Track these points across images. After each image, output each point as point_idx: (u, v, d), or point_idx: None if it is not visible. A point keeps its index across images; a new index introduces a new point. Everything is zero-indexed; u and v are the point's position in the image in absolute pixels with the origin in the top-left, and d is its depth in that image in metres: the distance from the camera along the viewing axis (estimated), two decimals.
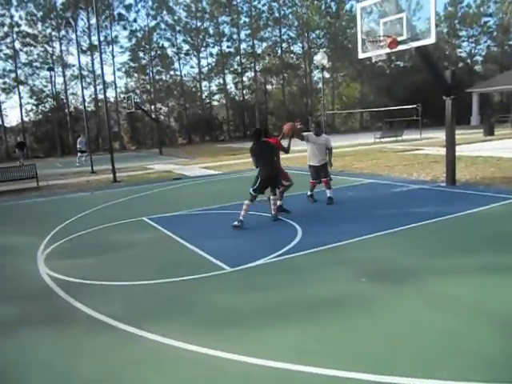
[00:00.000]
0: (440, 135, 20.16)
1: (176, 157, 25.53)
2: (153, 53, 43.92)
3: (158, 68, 44.82)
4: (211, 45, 45.82)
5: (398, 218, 7.24)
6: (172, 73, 45.66)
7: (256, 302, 4.47)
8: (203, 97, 47.05)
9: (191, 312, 4.32)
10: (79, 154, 25.11)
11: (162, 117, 45.53)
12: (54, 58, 40.63)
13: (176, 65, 45.40)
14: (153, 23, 43.45)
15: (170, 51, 44.85)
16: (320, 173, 9.06)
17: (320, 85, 23.58)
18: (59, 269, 5.78)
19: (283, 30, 46.36)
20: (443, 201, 8.64)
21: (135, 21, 43.13)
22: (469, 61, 52.14)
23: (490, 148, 17.61)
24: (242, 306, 4.37)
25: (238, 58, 46.52)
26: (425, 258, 5.39)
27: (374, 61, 9.89)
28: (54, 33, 40.21)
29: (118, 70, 43.38)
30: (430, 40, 8.46)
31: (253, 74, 47.10)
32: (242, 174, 15.01)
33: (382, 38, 9.24)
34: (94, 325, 4.14)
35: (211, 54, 46.23)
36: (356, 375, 3.05)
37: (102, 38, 40.76)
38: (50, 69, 37.96)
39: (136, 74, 44.72)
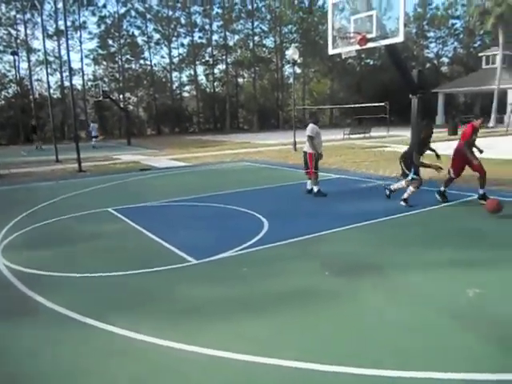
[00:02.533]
0: (406, 133, 20.59)
1: (144, 148, 25.15)
2: (122, 40, 42.98)
3: (128, 56, 43.92)
4: (183, 35, 45.27)
5: (362, 213, 7.37)
6: (142, 62, 44.89)
7: (220, 294, 4.47)
8: (173, 87, 46.46)
9: (155, 304, 4.28)
10: (94, 139, 27.61)
11: (130, 107, 44.74)
12: (19, 41, 39.17)
13: (146, 54, 44.66)
14: (123, 10, 42.55)
15: (140, 40, 44.07)
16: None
17: (291, 80, 23.63)
18: (18, 260, 5.60)
19: (256, 23, 46.23)
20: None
21: (104, 6, 41.97)
22: (436, 61, 53.45)
23: (453, 147, 18.08)
24: (206, 299, 4.35)
25: (210, 49, 46.11)
26: (387, 252, 5.51)
27: (343, 57, 9.99)
28: (18, 15, 38.76)
29: (86, 56, 42.32)
30: (399, 39, 8.60)
31: (224, 66, 46.82)
32: (211, 167, 14.95)
33: (352, 35, 9.33)
34: (54, 318, 4.03)
35: (182, 45, 45.71)
36: (319, 367, 3.10)
37: (69, 23, 39.58)
38: (14, 53, 36.53)
39: (104, 62, 43.69)
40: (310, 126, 9.10)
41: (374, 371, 3.01)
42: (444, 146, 19.06)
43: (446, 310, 3.88)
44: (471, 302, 4.03)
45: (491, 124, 34.92)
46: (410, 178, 7.99)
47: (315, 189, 8.99)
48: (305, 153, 9.22)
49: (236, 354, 3.28)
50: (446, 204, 7.97)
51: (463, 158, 8.12)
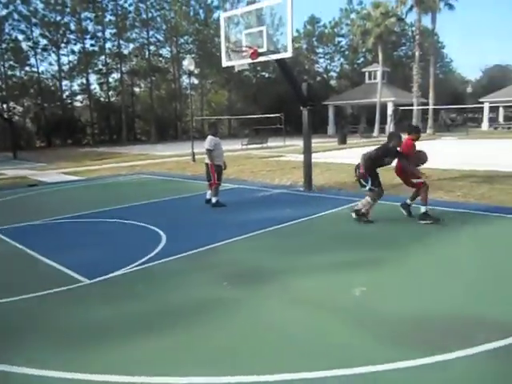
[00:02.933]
0: (301, 143, 21.61)
1: (33, 161, 23.33)
2: (4, 45, 39.62)
3: (11, 63, 40.55)
4: (73, 41, 42.91)
5: (259, 222, 7.57)
6: (27, 69, 41.70)
7: (115, 314, 4.28)
8: (64, 97, 43.82)
9: (42, 332, 3.97)
10: None
11: (16, 117, 41.26)
12: None
13: (32, 60, 41.60)
14: (4, 12, 39.22)
15: (24, 45, 40.90)
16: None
17: (189, 90, 23.60)
18: None
19: (151, 33, 45.47)
20: (300, 204, 9.28)
21: None
22: (325, 76, 57.04)
23: (342, 155, 19.43)
24: (99, 321, 4.14)
25: (103, 57, 44.34)
26: (283, 259, 5.72)
27: (236, 70, 10.24)
28: None
29: None
30: (287, 54, 9.06)
31: (119, 75, 45.30)
32: (106, 180, 14.34)
33: (244, 49, 9.63)
34: None
35: (73, 52, 43.29)
36: (218, 379, 3.11)
37: None
38: None
39: None
40: (209, 138, 9.12)
41: (269, 377, 3.10)
42: (334, 154, 20.40)
43: (336, 311, 4.13)
44: (358, 301, 4.34)
45: (375, 134, 38.03)
46: (367, 188, 7.30)
47: (214, 200, 9.04)
48: (206, 164, 9.23)
49: (132, 377, 3.17)
50: (331, 211, 8.41)
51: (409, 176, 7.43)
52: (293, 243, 6.48)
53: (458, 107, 48.25)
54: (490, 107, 46.09)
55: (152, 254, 5.94)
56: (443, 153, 20.36)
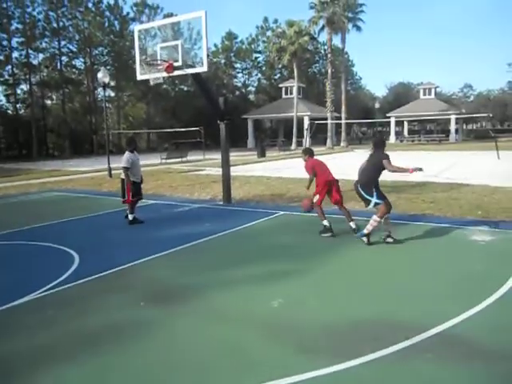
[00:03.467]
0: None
1: None
2: None
3: None
4: None
5: (178, 238, 7.46)
6: None
7: (22, 345, 3.94)
8: None
9: None
10: None
11: None
12: None
13: None
14: None
15: None
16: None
17: (104, 103, 22.80)
18: None
19: (63, 43, 43.43)
20: (219, 218, 9.28)
21: None
22: (244, 90, 58.04)
23: (261, 168, 19.80)
24: (7, 353, 3.81)
25: (10, 67, 41.51)
26: (201, 275, 5.67)
27: (152, 83, 10.10)
28: None
29: None
30: (203, 68, 9.11)
31: (28, 86, 42.65)
32: (12, 199, 13.35)
33: (159, 62, 9.53)
34: None
35: None
36: None
37: None
38: None
39: None
40: (126, 154, 8.78)
41: None
42: (253, 167, 20.73)
43: (254, 324, 4.16)
44: (275, 313, 4.41)
45: (293, 147, 39.25)
46: (372, 205, 6.74)
47: (130, 217, 8.76)
48: (122, 180, 8.89)
49: None
50: (249, 224, 8.48)
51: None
52: (212, 258, 6.45)
53: (368, 121, 51.50)
54: (396, 121, 49.68)
55: (63, 277, 5.60)
56: (356, 165, 21.52)
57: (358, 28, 41.17)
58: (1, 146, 41.95)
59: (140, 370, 3.46)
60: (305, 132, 37.41)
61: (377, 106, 53.72)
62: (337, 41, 43.76)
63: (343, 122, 40.69)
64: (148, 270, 5.97)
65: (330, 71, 40.71)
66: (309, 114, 41.81)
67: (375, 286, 5.09)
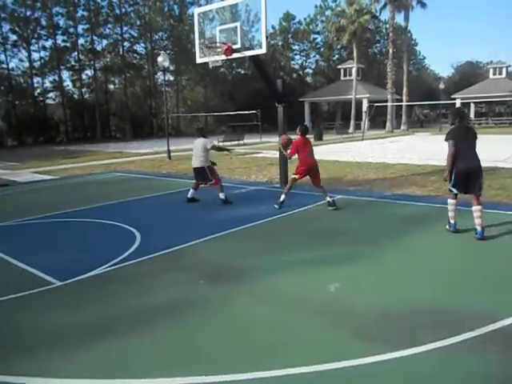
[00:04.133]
0: (277, 139, 21.65)
1: (4, 160, 22.72)
2: None
3: None
4: (44, 37, 41.89)
5: (235, 220, 7.55)
6: None
7: (87, 316, 4.18)
8: (36, 94, 42.78)
9: (8, 337, 3.86)
10: None
11: None
12: None
13: (2, 56, 40.44)
14: None
15: None
16: (197, 175, 9.09)
17: (164, 87, 23.36)
18: None
19: (125, 28, 44.75)
20: (276, 201, 9.25)
21: None
22: (301, 72, 57.22)
23: (318, 151, 19.48)
24: (70, 324, 4.04)
25: (76, 53, 43.43)
26: (258, 257, 5.71)
27: (210, 66, 10.16)
28: None
29: None
30: (262, 51, 9.03)
31: (92, 72, 44.49)
32: (80, 179, 14.08)
33: (218, 45, 9.56)
34: None
35: (44, 48, 42.26)
36: (191, 380, 3.08)
37: None
38: None
39: None
40: (203, 140, 8.99)
41: (235, 376, 3.09)
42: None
43: (311, 307, 4.15)
44: (332, 297, 4.37)
45: (350, 130, 38.38)
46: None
47: (222, 195, 9.00)
48: (202, 168, 8.99)
49: (104, 381, 3.12)
50: (306, 207, 8.45)
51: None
52: (268, 241, 6.47)
53: (431, 103, 49.24)
54: (462, 103, 47.13)
55: (126, 254, 5.85)
56: (417, 148, 20.71)
57: (423, 5, 39.22)
58: (67, 129, 44.20)
59: (196, 346, 3.55)
60: (363, 115, 36.44)
61: (441, 86, 51.12)
62: (399, 19, 42.19)
63: (404, 104, 39.20)
64: (206, 250, 6.09)
65: (391, 51, 39.17)
66: (368, 95, 40.59)
67: (438, 274, 4.90)
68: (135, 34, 45.93)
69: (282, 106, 10.47)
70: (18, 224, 8.04)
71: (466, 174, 5.95)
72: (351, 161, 15.62)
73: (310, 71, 58.50)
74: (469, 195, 6.09)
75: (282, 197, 8.34)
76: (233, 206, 8.95)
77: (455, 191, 6.16)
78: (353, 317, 3.93)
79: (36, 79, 42.55)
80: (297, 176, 8.37)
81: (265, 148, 22.64)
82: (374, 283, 4.71)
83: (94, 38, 43.50)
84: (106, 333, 3.84)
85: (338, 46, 50.99)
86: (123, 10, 44.13)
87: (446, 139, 6.13)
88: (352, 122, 39.65)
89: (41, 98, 43.50)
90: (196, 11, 10.29)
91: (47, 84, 43.61)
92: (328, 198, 8.22)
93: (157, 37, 46.94)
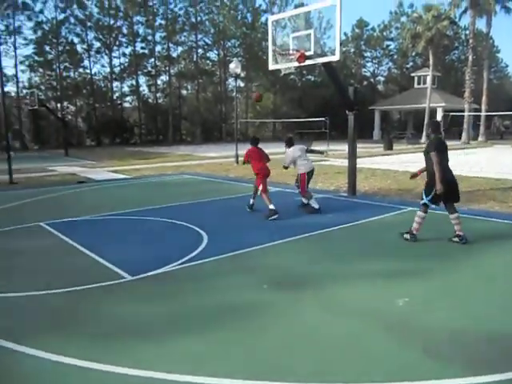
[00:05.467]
0: (345, 147, 21.30)
1: (83, 159, 24.25)
2: (60, 47, 41.45)
3: (66, 64, 42.39)
4: (124, 44, 44.35)
5: (301, 226, 7.49)
6: (81, 70, 43.44)
7: (155, 311, 4.34)
8: (114, 97, 45.32)
9: (84, 325, 4.08)
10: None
11: (68, 116, 43.10)
12: None
13: (86, 62, 43.30)
14: (61, 16, 41.07)
15: (79, 47, 42.63)
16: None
17: (234, 93, 23.86)
18: None
19: (199, 36, 46.28)
20: (343, 210, 9.09)
21: (42, 12, 40.31)
22: (372, 80, 56.01)
23: (388, 161, 18.98)
24: (140, 317, 4.21)
25: (153, 60, 45.55)
26: (324, 265, 5.62)
27: (282, 73, 10.20)
28: None
29: (21, 63, 40.32)
30: (335, 58, 8.93)
31: (167, 77, 46.39)
32: (151, 179, 14.67)
33: (291, 52, 9.58)
34: None
35: (124, 54, 44.74)
36: (254, 383, 3.08)
37: (2, 27, 37.79)
38: None
39: (41, 69, 41.87)
40: (300, 146, 9.16)
41: None
42: (379, 160, 19.96)
43: (379, 320, 4.00)
44: (401, 312, 4.19)
45: (422, 140, 36.92)
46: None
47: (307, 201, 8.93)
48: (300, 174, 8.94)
49: (170, 374, 3.19)
50: (374, 218, 8.20)
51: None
52: (334, 249, 6.36)
53: None
54: None
55: (193, 254, 5.99)
56: (496, 161, 19.49)
57: (508, 10, 36.90)
58: (141, 131, 46.35)
59: (260, 350, 3.55)
60: None
61: None
62: (481, 24, 39.85)
63: (483, 114, 37.05)
64: (272, 255, 6.10)
65: (470, 58, 37.20)
66: (443, 104, 38.84)
67: None
68: (209, 42, 47.34)
69: (352, 113, 10.28)
70: (93, 219, 8.51)
71: (448, 185, 6.21)
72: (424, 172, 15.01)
73: (382, 79, 57.12)
74: (445, 205, 6.48)
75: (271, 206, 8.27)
76: (299, 212, 8.89)
77: (433, 206, 6.51)
78: (424, 334, 3.74)
79: (115, 84, 45.14)
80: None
81: (332, 156, 22.34)
82: (446, 300, 4.46)
83: (170, 45, 45.36)
84: (174, 328, 3.96)
85: (413, 53, 49.28)
86: (199, 18, 45.67)
87: (431, 150, 6.27)
88: (424, 132, 38.09)
89: (119, 102, 46.03)
90: (270, 19, 10.38)
91: (125, 88, 46.12)
92: (251, 201, 8.90)
93: (229, 44, 48.05)
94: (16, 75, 39.56)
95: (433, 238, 6.83)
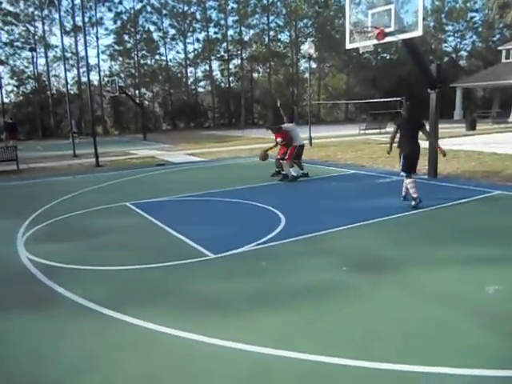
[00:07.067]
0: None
1: (160, 143, 25.31)
2: (138, 36, 43.19)
3: (144, 52, 44.16)
4: (198, 30, 45.31)
5: (379, 209, 7.33)
6: (157, 57, 45.07)
7: (237, 288, 4.50)
8: (188, 83, 46.58)
9: (172, 297, 4.32)
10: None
11: (146, 102, 45.02)
12: (37, 38, 39.69)
13: (161, 49, 44.81)
14: (139, 6, 42.74)
15: (155, 35, 44.23)
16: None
17: (306, 74, 23.56)
18: (39, 253, 5.71)
19: (271, 18, 46.03)
20: (424, 193, 8.69)
21: (121, 3, 42.20)
22: (454, 55, 52.59)
23: (471, 142, 17.87)
24: (223, 292, 4.38)
25: (225, 44, 46.08)
26: (405, 248, 5.48)
27: (361, 52, 9.89)
28: (36, 12, 39.25)
29: (103, 52, 42.67)
30: (417, 33, 8.48)
31: (239, 61, 46.76)
32: (227, 162, 14.99)
33: (369, 29, 9.24)
34: (75, 309, 4.11)
35: (198, 40, 45.79)
36: (336, 360, 3.11)
37: (86, 19, 39.85)
38: (32, 49, 37.11)
39: (121, 58, 44.00)
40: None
41: (380, 365, 3.03)
42: (461, 140, 18.85)
43: (467, 307, 3.84)
44: (491, 300, 3.99)
45: (510, 119, 34.30)
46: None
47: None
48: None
49: (252, 347, 3.31)
50: (458, 201, 7.80)
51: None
52: (416, 233, 6.15)
53: None
54: None
55: (272, 235, 6.09)
56: None
57: None
58: (215, 115, 47.33)
59: (341, 331, 3.55)
60: None
61: None
62: None
63: None
64: (350, 238, 6.03)
65: None
66: None
67: None
68: (281, 23, 46.97)
69: (435, 92, 9.77)
70: (173, 200, 8.89)
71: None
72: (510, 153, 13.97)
73: (465, 54, 53.44)
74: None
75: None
76: (377, 195, 8.71)
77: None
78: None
79: (189, 69, 46.30)
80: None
81: None
82: None
83: (242, 28, 45.57)
84: (255, 303, 4.10)
85: (501, 25, 45.60)
86: (270, 0, 45.33)
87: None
88: None
89: (193, 87, 47.28)
90: None
91: (199, 73, 47.20)
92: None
93: (301, 24, 47.33)
94: (98, 64, 41.95)
95: None
